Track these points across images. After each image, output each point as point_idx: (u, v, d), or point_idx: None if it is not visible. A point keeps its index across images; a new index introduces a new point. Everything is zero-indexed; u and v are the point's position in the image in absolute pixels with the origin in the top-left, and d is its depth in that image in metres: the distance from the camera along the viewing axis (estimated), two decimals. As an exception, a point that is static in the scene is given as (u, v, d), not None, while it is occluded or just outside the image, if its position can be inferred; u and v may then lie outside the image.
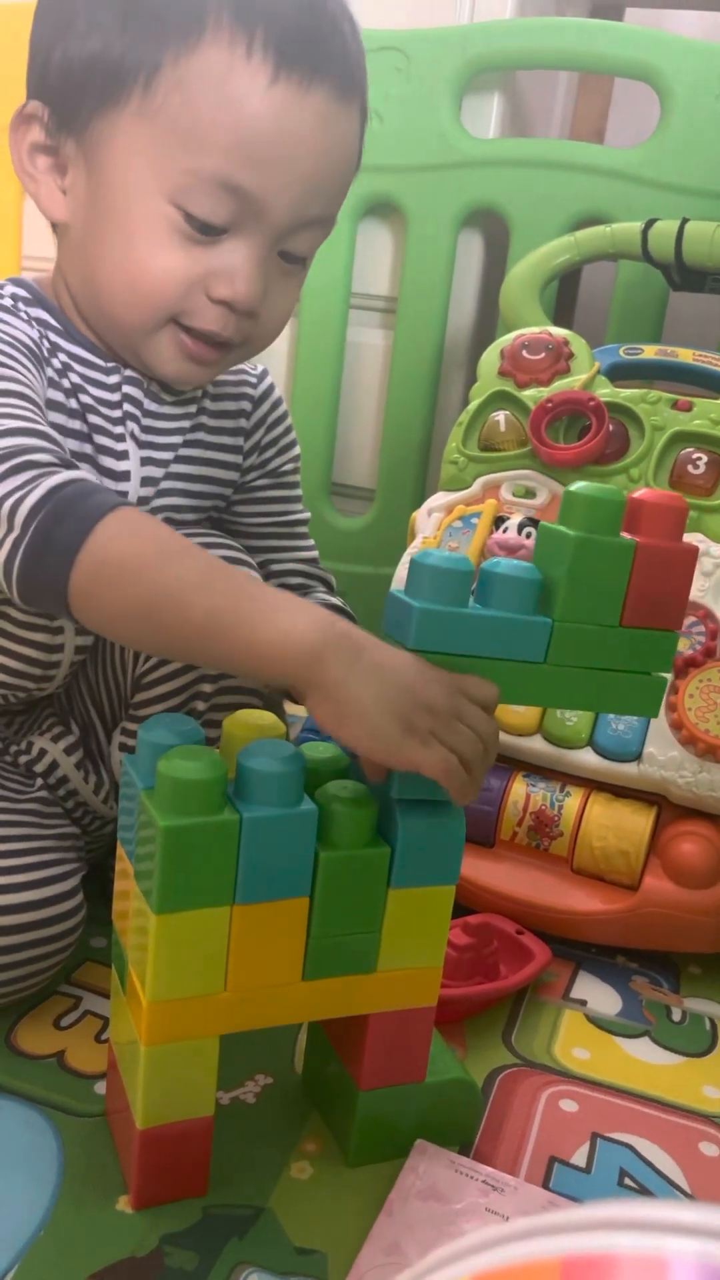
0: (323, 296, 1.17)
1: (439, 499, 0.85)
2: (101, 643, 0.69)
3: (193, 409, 0.69)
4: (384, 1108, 0.54)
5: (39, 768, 0.70)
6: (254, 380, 0.73)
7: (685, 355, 0.86)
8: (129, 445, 0.65)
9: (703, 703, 0.72)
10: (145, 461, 0.66)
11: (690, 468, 0.78)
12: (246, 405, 0.72)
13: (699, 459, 0.78)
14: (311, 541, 0.79)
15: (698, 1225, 0.21)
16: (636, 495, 0.51)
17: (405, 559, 0.83)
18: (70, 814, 0.70)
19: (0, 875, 0.59)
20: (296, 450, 0.77)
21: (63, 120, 0.59)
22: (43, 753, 0.70)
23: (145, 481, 0.67)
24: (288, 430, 0.76)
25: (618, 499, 0.50)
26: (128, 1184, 0.51)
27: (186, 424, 0.69)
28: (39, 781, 0.69)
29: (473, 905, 0.73)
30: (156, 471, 0.67)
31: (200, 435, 0.70)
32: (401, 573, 0.83)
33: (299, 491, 0.79)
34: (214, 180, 0.56)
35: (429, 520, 0.84)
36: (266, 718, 0.52)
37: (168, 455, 0.68)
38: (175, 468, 0.68)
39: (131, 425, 0.65)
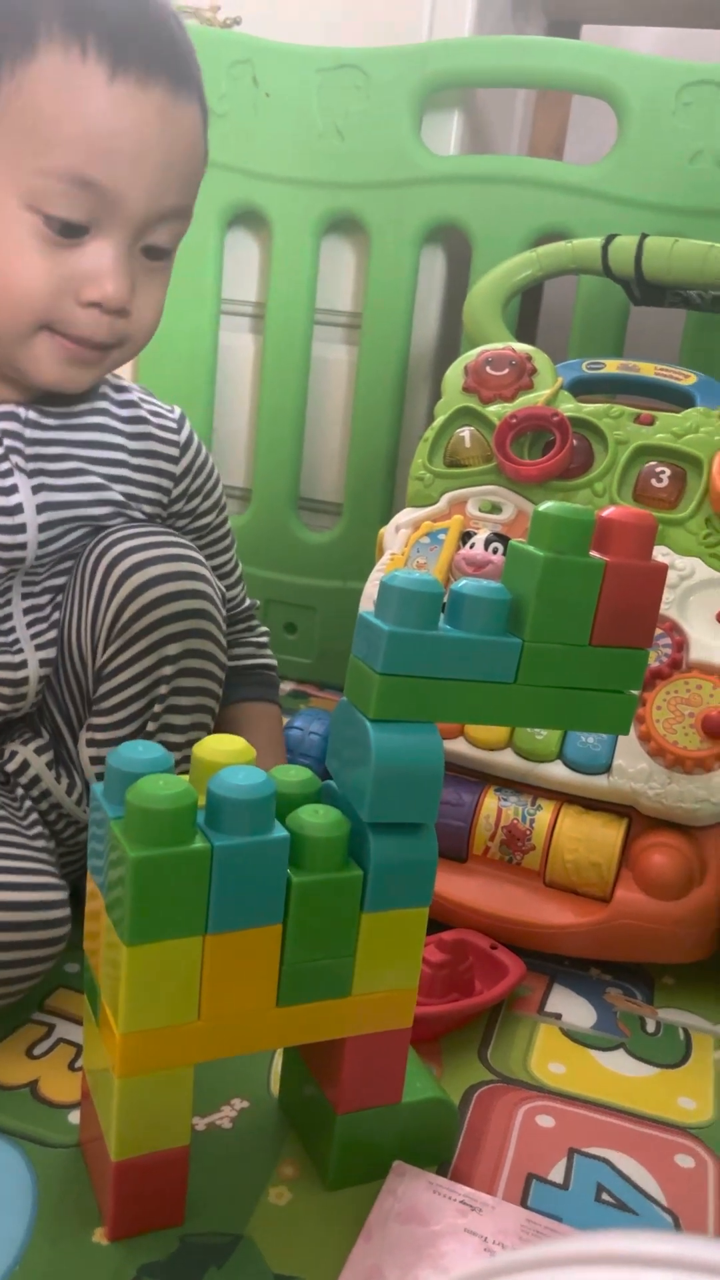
0: (287, 312, 1.17)
1: (406, 515, 0.85)
2: (62, 645, 0.69)
3: (92, 435, 0.69)
4: (362, 1130, 0.54)
5: (10, 767, 0.70)
6: (174, 425, 0.74)
7: (647, 369, 0.87)
8: (17, 479, 0.65)
9: (670, 714, 0.72)
10: (39, 489, 0.66)
11: (654, 481, 0.79)
12: (173, 451, 0.73)
13: (662, 472, 0.79)
14: (237, 592, 0.83)
15: (670, 1258, 0.21)
16: (605, 514, 0.51)
17: (374, 576, 0.83)
18: (47, 820, 0.70)
19: None
20: (221, 496, 0.78)
21: None
22: (13, 754, 0.71)
23: (43, 508, 0.66)
24: (211, 476, 0.77)
25: (586, 519, 0.50)
26: (103, 1215, 0.50)
27: (88, 452, 0.69)
28: (19, 791, 0.70)
29: (446, 920, 0.73)
30: (56, 496, 0.67)
31: (125, 472, 0.70)
32: (370, 590, 0.83)
33: (228, 541, 0.81)
34: (67, 177, 0.58)
35: (396, 537, 0.84)
36: (236, 743, 0.52)
37: (67, 481, 0.68)
38: (77, 496, 0.68)
39: (15, 458, 0.65)
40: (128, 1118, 0.48)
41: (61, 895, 0.62)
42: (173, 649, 0.66)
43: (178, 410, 0.75)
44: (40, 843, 0.67)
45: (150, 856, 0.45)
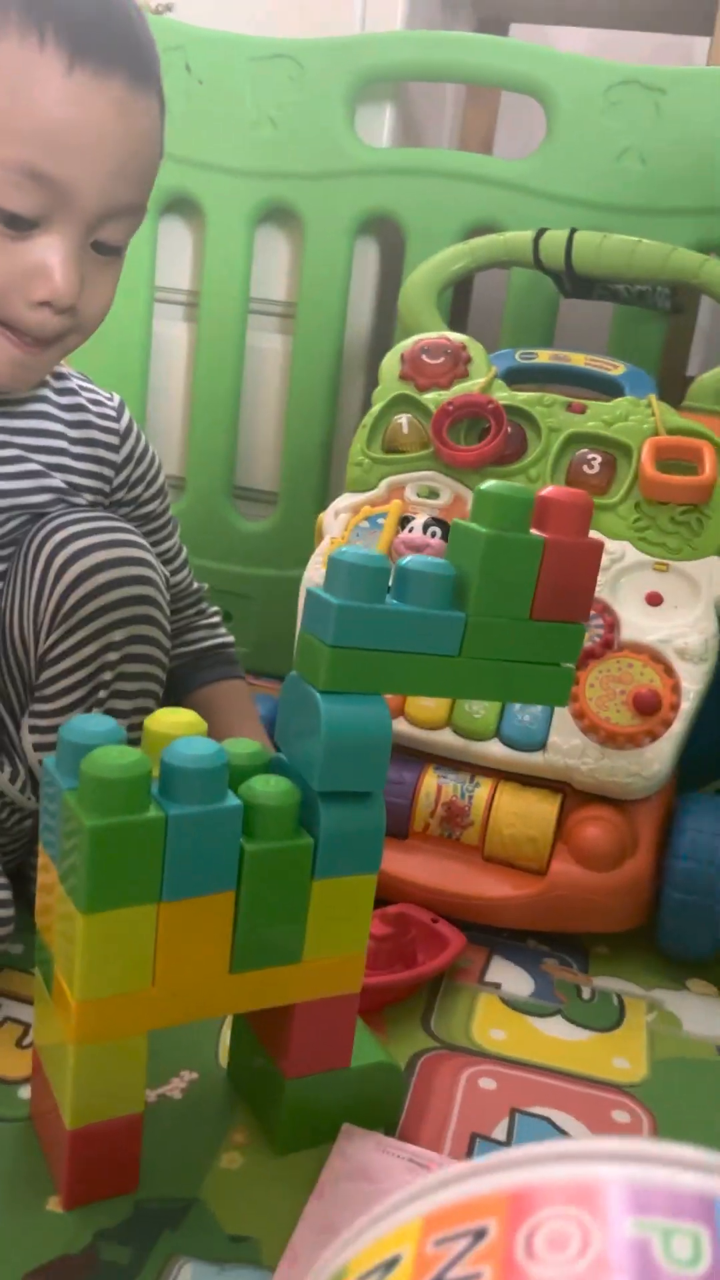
0: (221, 302, 1.17)
1: (345, 500, 0.86)
2: (2, 631, 0.69)
3: (30, 423, 0.69)
4: (310, 1095, 0.55)
5: None
6: (114, 414, 0.74)
7: (578, 359, 0.89)
8: None
9: (602, 692, 0.75)
10: None
11: (585, 468, 0.81)
12: (114, 439, 0.73)
13: (593, 459, 0.81)
14: (183, 576, 0.83)
15: (625, 1152, 0.23)
16: (544, 493, 0.53)
17: (314, 560, 0.85)
18: None
19: None
20: (163, 482, 0.79)
21: None
22: None
23: None
24: (153, 463, 0.77)
25: (526, 497, 0.52)
26: (57, 1184, 0.51)
27: (26, 440, 0.68)
28: None
29: (389, 896, 0.75)
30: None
31: (65, 460, 0.70)
32: (310, 574, 0.84)
33: (171, 526, 0.81)
34: (19, 169, 0.57)
35: (336, 521, 0.85)
36: (188, 715, 0.53)
37: (5, 469, 0.67)
38: (15, 484, 0.68)
39: None
40: (83, 1086, 0.49)
41: (4, 895, 0.62)
42: (118, 635, 0.66)
43: (117, 398, 0.75)
44: None
45: (106, 825, 0.46)
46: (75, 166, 0.58)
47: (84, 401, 0.72)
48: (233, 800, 0.49)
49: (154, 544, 0.76)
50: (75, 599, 0.65)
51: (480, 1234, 0.21)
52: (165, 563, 0.78)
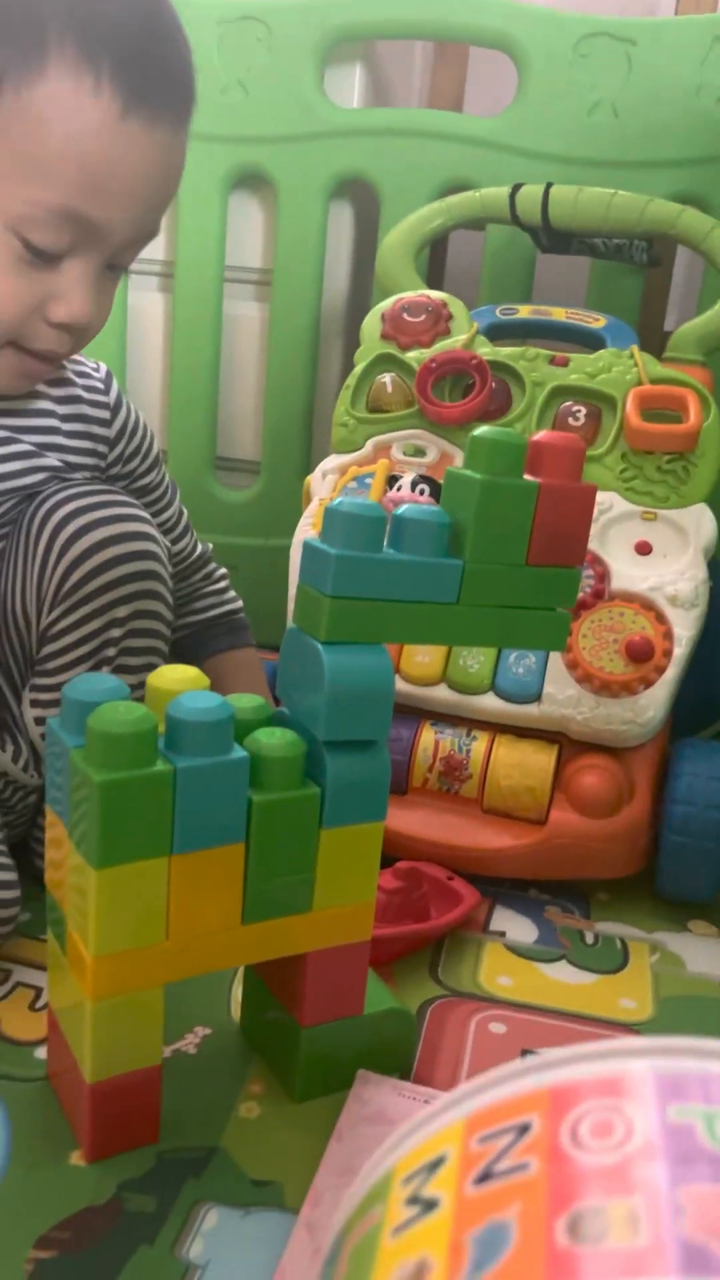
0: (196, 271, 1.16)
1: (332, 461, 0.86)
2: (2, 607, 0.68)
3: (18, 403, 0.68)
4: (326, 1043, 0.56)
5: None
6: (102, 386, 0.73)
7: (559, 314, 0.89)
8: None
9: (595, 641, 0.75)
10: None
11: (570, 420, 0.81)
12: (105, 414, 0.72)
13: (578, 411, 0.81)
14: (186, 542, 0.83)
15: (654, 1048, 0.23)
16: (537, 438, 0.53)
17: (303, 521, 0.85)
18: None
19: None
20: (156, 451, 0.78)
21: None
22: None
23: None
24: (145, 434, 0.77)
25: (519, 442, 0.52)
26: (79, 1140, 0.51)
27: (15, 420, 0.68)
28: None
29: (391, 852, 0.75)
30: None
31: (57, 439, 0.69)
32: (299, 535, 0.84)
33: (170, 493, 0.81)
34: (59, 213, 0.56)
35: (324, 482, 0.85)
36: (190, 671, 0.53)
37: (4, 450, 0.67)
38: (7, 466, 0.67)
39: None
40: (101, 1040, 0.49)
41: (10, 876, 0.62)
42: (122, 611, 0.66)
43: (103, 368, 0.74)
44: None
45: (115, 779, 0.46)
46: (115, 210, 0.58)
47: (71, 376, 0.72)
48: (239, 752, 0.49)
49: (154, 514, 0.76)
50: (78, 576, 0.65)
51: (524, 1129, 0.22)
52: (166, 531, 0.78)
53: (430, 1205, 0.20)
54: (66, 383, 0.71)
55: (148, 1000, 0.50)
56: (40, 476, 0.69)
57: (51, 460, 0.69)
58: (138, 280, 1.22)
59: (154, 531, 0.68)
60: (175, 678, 0.52)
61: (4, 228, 0.56)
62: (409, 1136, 0.24)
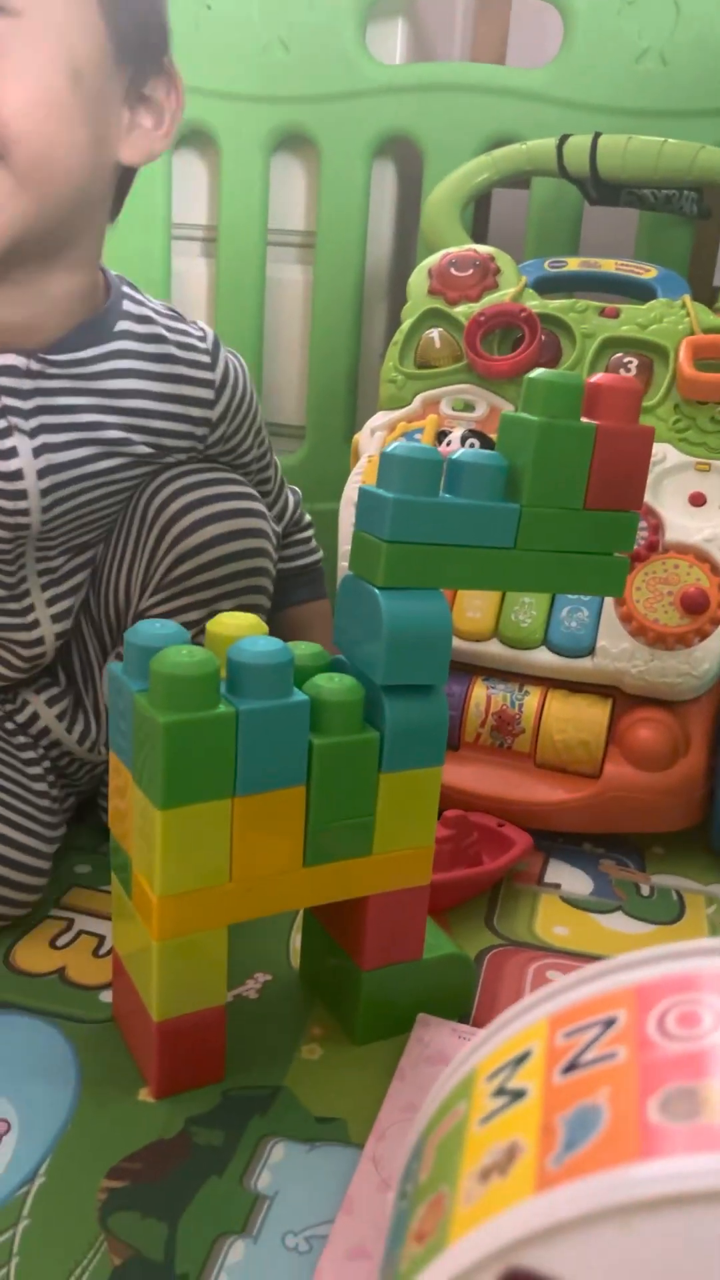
0: (239, 235, 1.16)
1: (380, 418, 0.86)
2: (99, 584, 0.68)
3: (109, 384, 0.62)
4: (386, 986, 0.56)
5: (20, 718, 0.69)
6: (207, 360, 0.66)
7: (608, 265, 0.88)
8: (16, 440, 0.59)
9: (649, 594, 0.75)
10: (41, 450, 0.60)
11: (622, 371, 0.81)
12: (207, 393, 0.66)
13: (630, 362, 0.81)
14: (283, 500, 0.81)
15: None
16: (594, 380, 0.53)
17: (352, 478, 0.85)
18: (58, 766, 0.70)
19: None
20: (261, 422, 0.72)
21: None
22: (25, 703, 0.70)
23: (46, 472, 0.60)
24: (251, 408, 0.70)
25: (577, 383, 0.52)
26: (146, 1077, 0.52)
27: (102, 401, 0.62)
28: (21, 739, 0.69)
29: (445, 807, 0.76)
30: (62, 456, 0.61)
31: (150, 422, 0.64)
32: (350, 492, 0.84)
33: (268, 459, 0.77)
34: None
35: (373, 440, 0.85)
36: (248, 618, 0.53)
37: (76, 436, 0.61)
38: (87, 451, 0.62)
39: (13, 418, 0.59)
40: (167, 980, 0.50)
41: (47, 850, 0.63)
42: (224, 606, 0.65)
43: (210, 335, 0.67)
44: (41, 787, 0.67)
45: (179, 721, 0.46)
46: None
47: (173, 349, 0.65)
48: (300, 695, 0.50)
49: (257, 485, 0.73)
50: (186, 569, 0.64)
51: (610, 1023, 0.22)
52: (265, 495, 0.75)
53: (518, 1095, 0.21)
54: (168, 359, 0.64)
55: (212, 941, 0.51)
56: (126, 460, 0.64)
57: (139, 446, 0.64)
58: (180, 246, 1.22)
59: (266, 525, 0.66)
60: (234, 624, 0.53)
61: None
62: (491, 1038, 0.25)
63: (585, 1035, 0.22)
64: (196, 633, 0.65)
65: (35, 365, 0.60)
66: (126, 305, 0.64)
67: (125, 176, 0.63)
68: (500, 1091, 0.21)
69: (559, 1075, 0.21)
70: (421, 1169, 0.22)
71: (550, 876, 0.74)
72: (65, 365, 0.61)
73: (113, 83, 0.57)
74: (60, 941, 0.63)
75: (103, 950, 0.62)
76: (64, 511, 0.63)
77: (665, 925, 0.69)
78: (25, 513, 0.61)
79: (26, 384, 0.59)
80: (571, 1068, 0.20)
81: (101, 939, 0.63)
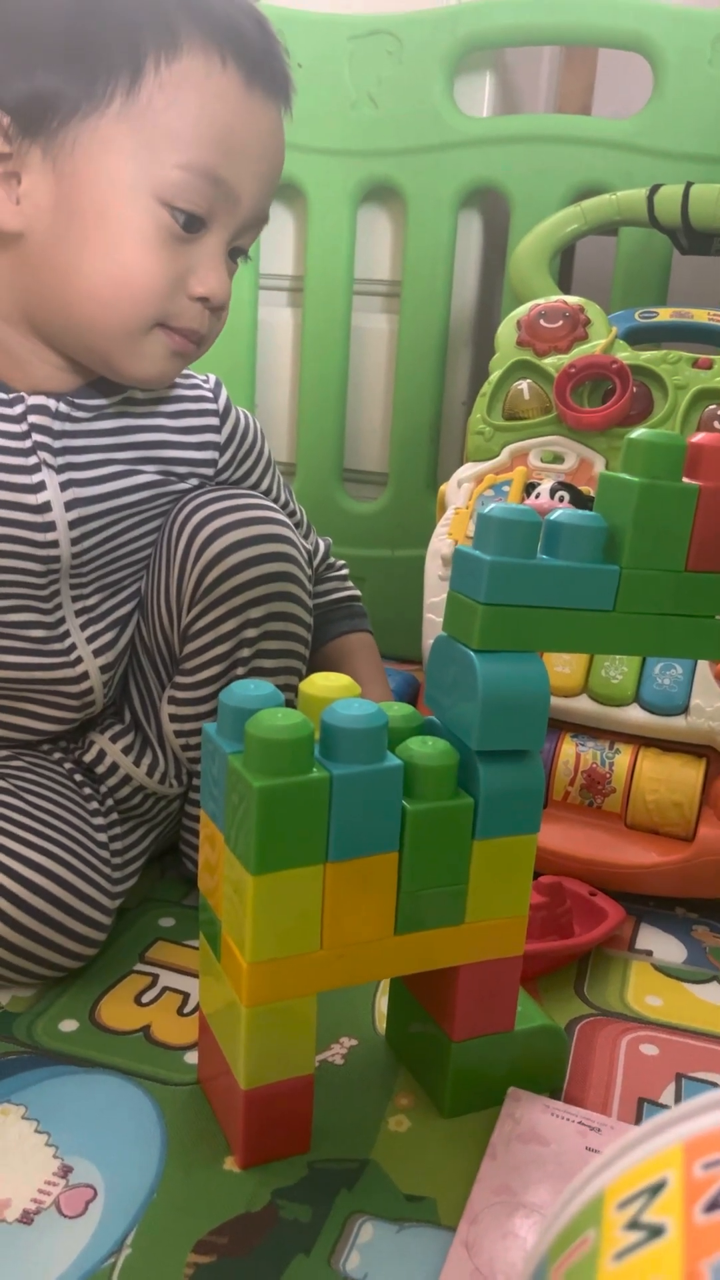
0: (326, 283, 1.17)
1: (468, 470, 0.86)
2: (146, 612, 0.70)
3: (127, 421, 0.68)
4: (476, 1058, 0.55)
5: (87, 758, 0.71)
6: (210, 394, 0.73)
7: (700, 315, 0.87)
8: (44, 475, 0.64)
9: (746, 652, 0.73)
10: (68, 485, 0.65)
11: (717, 423, 0.79)
12: (214, 421, 0.72)
13: (724, 415, 0.79)
14: (308, 540, 0.83)
15: None
16: (696, 439, 0.52)
17: (438, 530, 0.84)
18: (129, 805, 0.71)
19: (43, 858, 0.61)
20: (268, 452, 0.78)
21: (27, 126, 0.58)
22: (91, 743, 0.71)
23: (73, 505, 0.65)
24: (255, 436, 0.76)
25: (679, 444, 0.51)
26: (232, 1145, 0.51)
27: (122, 438, 0.68)
28: (95, 785, 0.70)
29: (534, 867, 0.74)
30: (87, 491, 0.66)
31: (166, 453, 0.70)
32: (435, 544, 0.83)
33: (284, 492, 0.81)
34: (201, 172, 0.59)
35: (459, 491, 0.85)
36: (341, 679, 0.53)
37: (100, 473, 0.66)
38: (111, 486, 0.67)
39: (43, 454, 0.64)
40: (255, 1047, 0.49)
41: (108, 903, 0.63)
42: (256, 612, 0.67)
43: (213, 378, 0.75)
44: (103, 838, 0.67)
45: (273, 786, 0.46)
46: (243, 171, 0.61)
47: (180, 391, 0.72)
48: (394, 760, 0.49)
49: None
50: (213, 577, 0.66)
51: (753, 1155, 0.20)
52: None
53: (656, 1231, 0.19)
54: (176, 399, 0.71)
55: (301, 1008, 0.50)
56: (148, 494, 0.69)
57: (157, 478, 0.69)
58: (267, 296, 1.23)
59: (290, 533, 0.68)
60: (327, 685, 0.52)
61: (155, 201, 0.59)
62: (618, 1159, 0.23)
63: (727, 1167, 0.20)
64: (236, 644, 0.67)
65: (64, 408, 0.65)
66: None
67: None
68: (635, 1225, 0.20)
69: (701, 1213, 0.19)
70: (548, 1298, 0.21)
71: (641, 943, 0.72)
72: (89, 409, 0.66)
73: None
74: (145, 998, 0.63)
75: (187, 1009, 0.62)
76: (92, 545, 0.67)
77: (764, 998, 0.66)
78: (55, 544, 0.65)
79: (56, 425, 0.64)
80: (714, 1206, 0.19)
81: (186, 996, 0.63)
